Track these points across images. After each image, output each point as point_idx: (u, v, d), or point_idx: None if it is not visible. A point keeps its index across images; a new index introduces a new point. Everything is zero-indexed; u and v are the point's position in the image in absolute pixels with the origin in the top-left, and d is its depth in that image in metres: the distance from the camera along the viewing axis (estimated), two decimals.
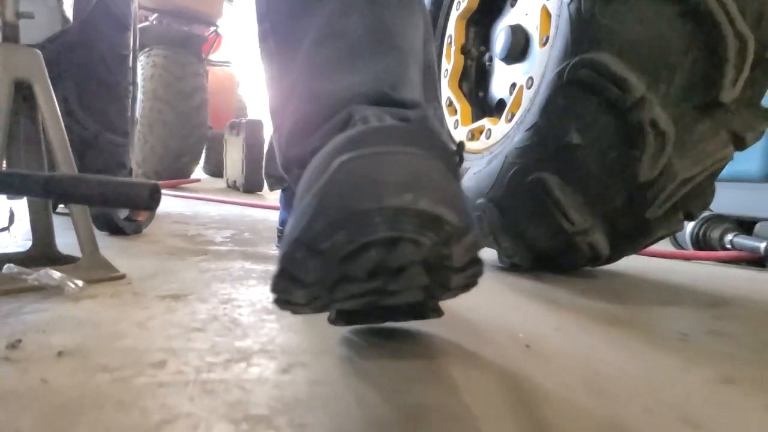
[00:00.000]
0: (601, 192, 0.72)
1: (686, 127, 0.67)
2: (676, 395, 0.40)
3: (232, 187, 2.86)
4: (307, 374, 0.39)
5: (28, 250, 0.69)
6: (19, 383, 0.35)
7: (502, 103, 1.01)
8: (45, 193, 0.43)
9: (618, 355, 0.48)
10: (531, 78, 0.82)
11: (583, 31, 0.68)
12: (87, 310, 0.53)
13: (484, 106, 1.08)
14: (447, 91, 1.11)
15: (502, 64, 0.97)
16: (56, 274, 0.59)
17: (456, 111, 1.08)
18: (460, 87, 1.11)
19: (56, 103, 0.64)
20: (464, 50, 1.11)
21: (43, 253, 0.69)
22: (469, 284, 0.32)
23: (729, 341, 0.55)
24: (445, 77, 1.12)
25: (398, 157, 0.25)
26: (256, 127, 2.62)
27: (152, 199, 0.42)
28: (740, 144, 0.71)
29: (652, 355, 0.49)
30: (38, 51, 0.63)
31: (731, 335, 0.57)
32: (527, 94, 0.82)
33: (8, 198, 0.71)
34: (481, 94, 1.10)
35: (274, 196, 2.53)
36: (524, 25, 0.91)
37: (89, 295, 0.58)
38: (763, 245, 0.97)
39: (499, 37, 0.94)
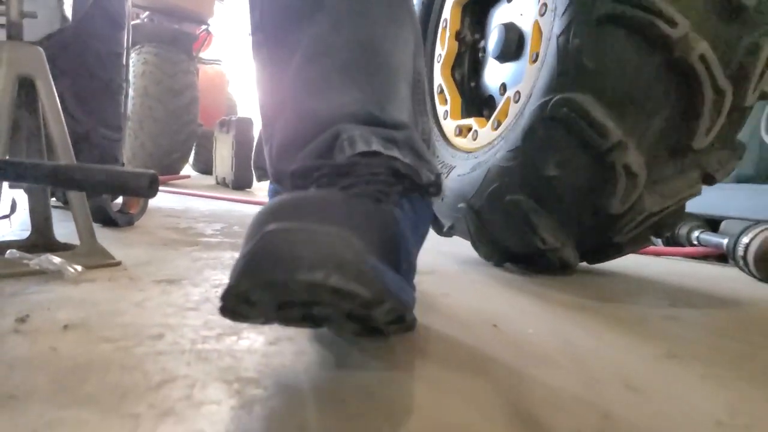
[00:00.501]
0: (573, 218, 0.77)
1: (658, 168, 0.72)
2: (623, 367, 0.45)
3: (222, 183, 2.89)
4: (292, 347, 0.43)
5: (27, 238, 0.73)
6: (30, 351, 0.39)
7: (491, 101, 1.03)
8: (53, 181, 0.46)
9: (575, 335, 0.53)
10: (518, 93, 0.84)
11: (568, 69, 0.70)
12: (87, 291, 0.56)
13: (475, 98, 1.09)
14: (439, 78, 1.12)
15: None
16: (56, 260, 0.63)
17: (446, 101, 1.09)
18: (453, 75, 1.11)
19: (57, 99, 0.68)
20: (459, 37, 1.11)
21: (41, 240, 0.73)
22: (406, 329, 0.35)
23: (680, 325, 0.60)
24: (438, 62, 1.12)
25: (317, 234, 0.28)
26: (246, 125, 2.65)
27: (151, 188, 0.46)
28: (710, 181, 0.75)
29: (608, 335, 0.54)
30: (40, 48, 0.67)
31: (683, 320, 0.62)
32: (514, 108, 0.85)
33: (10, 187, 0.74)
34: (473, 84, 1.10)
35: (262, 193, 2.56)
36: (518, 24, 0.92)
37: (88, 279, 0.61)
38: (725, 242, 1.02)
39: (493, 35, 0.95)
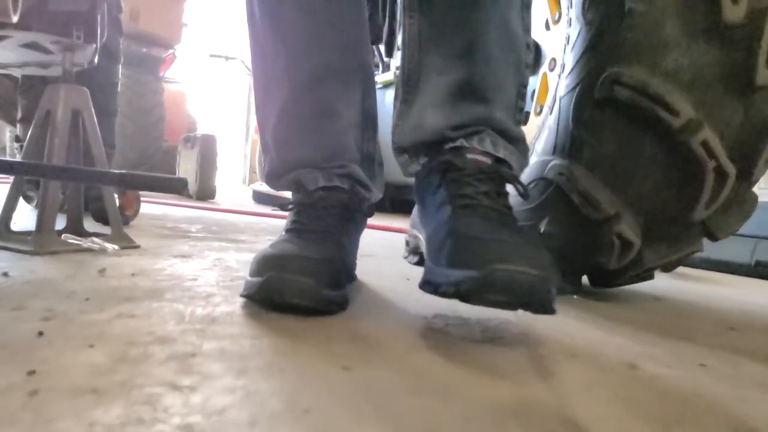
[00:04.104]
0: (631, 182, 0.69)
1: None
2: None
3: (185, 195, 3.09)
4: None
5: (65, 227, 0.96)
6: (119, 283, 0.65)
7: None
8: (119, 184, 0.71)
9: None
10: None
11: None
12: (131, 260, 0.81)
13: None
14: None
15: None
16: (98, 241, 0.87)
17: None
18: None
19: (97, 126, 0.93)
20: None
21: (75, 229, 0.97)
22: (341, 310, 0.59)
23: None
24: None
25: (296, 281, 0.53)
26: (210, 141, 2.88)
27: (184, 187, 0.72)
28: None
29: None
30: (86, 89, 0.92)
31: None
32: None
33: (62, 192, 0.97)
34: None
35: (224, 203, 2.78)
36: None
37: (125, 254, 0.86)
38: None
39: None
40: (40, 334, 0.43)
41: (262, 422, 0.31)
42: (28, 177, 0.85)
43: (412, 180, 0.68)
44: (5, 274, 0.65)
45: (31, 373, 0.35)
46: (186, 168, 3.03)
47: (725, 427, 0.36)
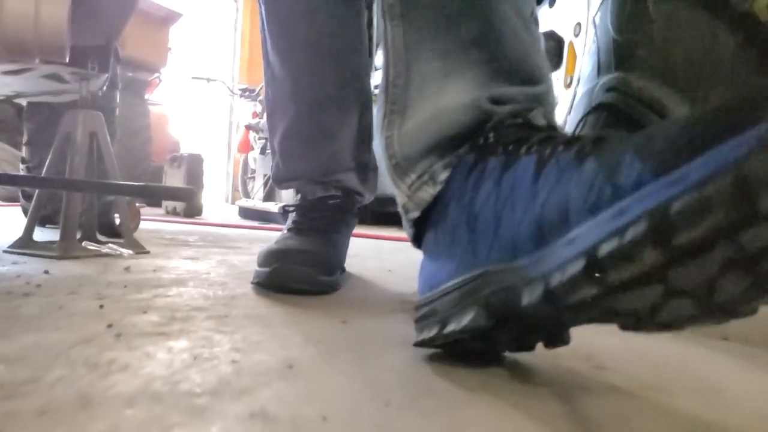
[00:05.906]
0: None
1: None
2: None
3: (172, 212, 3.17)
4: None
5: (81, 237, 1.07)
6: (146, 277, 0.76)
7: None
8: (139, 195, 0.83)
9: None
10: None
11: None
12: (148, 261, 0.93)
13: None
14: None
15: None
16: (114, 247, 0.99)
17: None
18: None
19: (110, 146, 1.04)
20: None
21: (90, 238, 1.07)
22: (333, 291, 0.71)
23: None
24: None
25: (296, 271, 0.66)
26: (197, 160, 2.99)
27: (194, 196, 0.84)
28: None
29: None
30: (101, 113, 1.03)
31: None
32: None
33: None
34: None
35: (213, 219, 2.88)
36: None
37: (140, 257, 0.98)
38: None
39: None
40: (101, 306, 0.55)
41: (289, 348, 0.44)
42: (58, 190, 0.96)
43: (390, 191, 0.52)
44: (46, 272, 0.76)
45: (110, 326, 0.47)
46: None
47: (626, 353, 0.50)
